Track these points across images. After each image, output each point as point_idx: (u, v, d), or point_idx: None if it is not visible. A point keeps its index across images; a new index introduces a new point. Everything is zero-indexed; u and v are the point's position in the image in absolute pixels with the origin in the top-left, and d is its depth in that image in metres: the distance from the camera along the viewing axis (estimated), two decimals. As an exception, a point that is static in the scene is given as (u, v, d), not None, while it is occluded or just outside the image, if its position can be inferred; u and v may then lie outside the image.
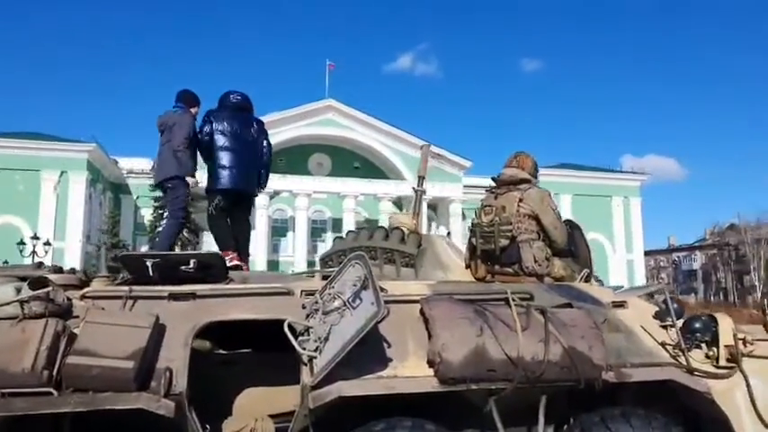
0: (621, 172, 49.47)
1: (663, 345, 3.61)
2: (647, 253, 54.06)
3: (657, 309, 3.91)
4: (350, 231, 4.90)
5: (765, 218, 59.35)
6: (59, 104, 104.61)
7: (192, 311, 3.26)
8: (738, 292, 60.79)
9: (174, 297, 3.30)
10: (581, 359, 3.17)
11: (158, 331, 3.07)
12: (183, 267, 3.46)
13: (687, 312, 4.09)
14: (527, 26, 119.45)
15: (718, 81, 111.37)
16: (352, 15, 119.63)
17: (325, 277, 3.65)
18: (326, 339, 3.04)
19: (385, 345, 3.19)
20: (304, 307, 3.28)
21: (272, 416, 3.78)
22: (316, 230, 44.04)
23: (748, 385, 3.53)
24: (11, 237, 31.39)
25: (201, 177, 5.59)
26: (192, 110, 5.53)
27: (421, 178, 5.46)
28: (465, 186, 42.88)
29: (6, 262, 18.71)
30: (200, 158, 5.57)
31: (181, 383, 3.01)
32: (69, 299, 3.16)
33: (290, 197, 40.72)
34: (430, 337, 3.17)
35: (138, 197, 41.94)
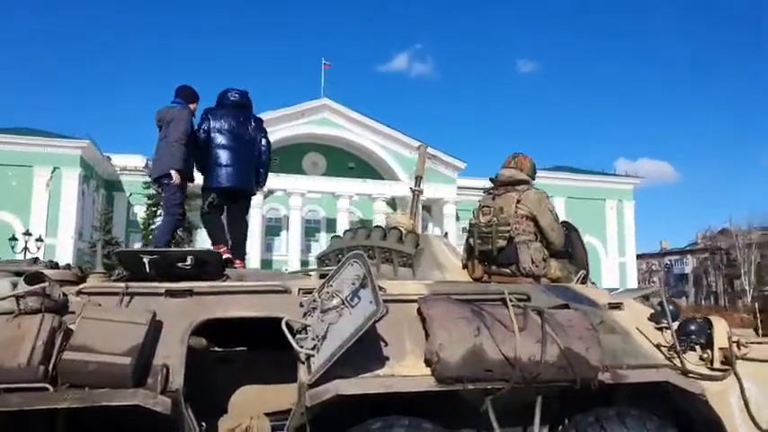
0: (615, 175, 49.71)
1: (658, 346, 3.63)
2: (639, 256, 54.36)
3: (653, 311, 3.93)
4: (347, 230, 4.90)
5: (756, 222, 59.84)
6: (53, 101, 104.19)
7: (189, 308, 3.25)
8: (729, 296, 61.17)
9: (170, 294, 3.29)
10: (577, 360, 3.18)
11: (155, 328, 3.06)
12: (179, 264, 3.45)
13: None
14: (523, 28, 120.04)
15: (711, 85, 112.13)
16: (348, 14, 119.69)
17: (322, 276, 3.65)
18: (324, 338, 3.04)
19: (382, 344, 3.19)
20: (302, 305, 3.28)
21: (267, 414, 3.78)
22: (309, 230, 44.00)
23: (742, 388, 3.56)
24: (2, 233, 31.22)
25: (196, 175, 5.58)
26: (191, 106, 5.51)
27: (418, 178, 5.47)
28: (459, 188, 42.98)
29: (-2, 258, 18.56)
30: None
31: (177, 380, 3.00)
32: (65, 294, 3.15)
33: (284, 196, 40.67)
34: (427, 336, 3.18)
35: (131, 194, 41.77)
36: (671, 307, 3.77)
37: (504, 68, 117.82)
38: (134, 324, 2.96)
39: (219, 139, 5.39)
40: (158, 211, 35.46)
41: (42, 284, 2.99)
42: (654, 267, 75.66)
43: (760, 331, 4.28)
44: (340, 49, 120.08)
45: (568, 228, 4.48)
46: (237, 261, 5.25)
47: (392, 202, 42.25)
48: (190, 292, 3.31)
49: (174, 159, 5.17)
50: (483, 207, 4.32)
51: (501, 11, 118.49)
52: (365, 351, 3.05)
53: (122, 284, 3.29)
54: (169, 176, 5.19)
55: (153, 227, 34.84)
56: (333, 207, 42.07)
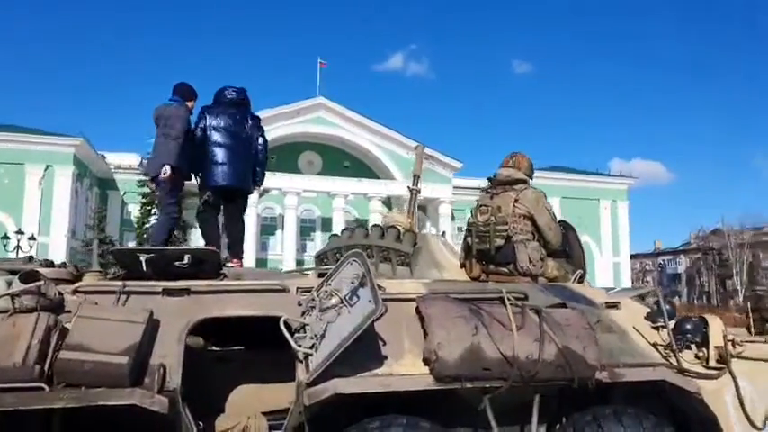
0: (609, 175, 49.84)
1: (654, 345, 3.65)
2: (633, 256, 54.54)
3: (649, 310, 3.94)
4: (345, 229, 4.89)
5: (748, 223, 60.22)
6: (47, 99, 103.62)
7: (187, 307, 3.24)
8: (721, 295, 61.50)
9: (168, 292, 3.27)
10: (575, 359, 3.19)
11: (152, 327, 3.04)
12: (176, 263, 3.43)
13: (673, 315, 4.13)
14: (518, 28, 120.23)
15: (704, 86, 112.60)
16: (344, 14, 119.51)
17: (320, 275, 3.65)
18: (323, 337, 3.03)
19: (380, 342, 3.19)
20: (300, 304, 3.27)
21: (265, 413, 3.77)
22: (305, 229, 43.90)
23: (737, 386, 3.58)
24: (-5, 231, 31.02)
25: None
26: (189, 103, 5.47)
27: (416, 178, 5.46)
28: (454, 187, 43.00)
29: (-9, 256, 18.47)
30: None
31: (175, 380, 2.99)
32: (61, 293, 3.13)
33: (279, 195, 40.56)
34: (426, 335, 3.18)
35: (125, 193, 41.55)
36: (667, 306, 3.79)
37: (499, 69, 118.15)
38: (131, 323, 2.95)
39: (216, 137, 5.37)
40: (153, 210, 35.31)
41: (38, 283, 2.97)
42: (647, 267, 76.00)
43: (752, 330, 4.30)
44: (336, 48, 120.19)
45: (565, 227, 4.49)
46: (234, 260, 5.23)
47: (388, 202, 42.22)
48: (187, 291, 3.29)
49: (170, 156, 5.14)
50: (481, 206, 4.32)
51: (496, 12, 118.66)
52: (363, 350, 3.05)
53: (119, 283, 3.27)
54: (163, 173, 5.16)
55: (147, 226, 34.73)
56: (328, 206, 41.99)
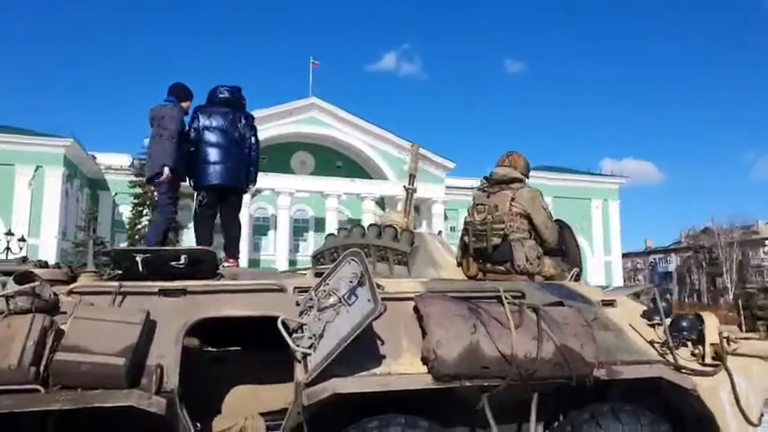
0: (601, 175, 50.08)
1: (651, 343, 3.67)
2: (624, 255, 54.84)
3: (645, 308, 3.96)
4: (342, 228, 4.88)
5: (738, 221, 60.79)
6: (37, 99, 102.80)
7: (184, 308, 3.22)
8: (711, 293, 61.99)
9: (164, 293, 3.25)
10: (573, 357, 3.20)
11: (149, 327, 3.02)
12: (173, 263, 3.41)
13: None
14: (510, 28, 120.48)
15: (695, 86, 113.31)
16: (337, 14, 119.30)
17: (317, 274, 3.63)
18: (321, 336, 3.02)
19: (379, 342, 3.18)
20: (298, 304, 3.25)
21: (262, 414, 3.75)
22: (298, 229, 43.83)
23: (732, 383, 3.61)
24: (-16, 233, 30.73)
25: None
26: (184, 104, 5.45)
27: (412, 177, 5.47)
28: (446, 187, 43.06)
29: (-20, 258, 18.31)
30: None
31: (172, 381, 2.97)
32: (56, 294, 3.10)
33: (272, 195, 40.47)
34: (424, 334, 3.17)
35: (116, 194, 41.33)
36: (663, 304, 3.81)
37: (492, 68, 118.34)
38: (128, 324, 2.93)
39: (209, 136, 5.35)
40: (144, 211, 35.18)
41: (32, 284, 2.94)
42: (639, 266, 76.46)
43: (743, 327, 4.33)
44: (328, 48, 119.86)
45: (561, 226, 4.50)
46: (231, 260, 5.21)
47: (381, 202, 42.22)
48: (184, 291, 3.27)
49: (166, 157, 5.12)
50: (478, 205, 4.32)
51: (488, 11, 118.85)
52: (362, 350, 3.04)
53: (115, 283, 3.24)
54: (161, 175, 5.14)
55: (139, 226, 34.56)
56: (321, 206, 41.94)
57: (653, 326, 3.78)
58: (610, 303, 3.84)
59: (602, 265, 46.25)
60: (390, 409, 3.15)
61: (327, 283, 3.19)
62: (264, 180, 36.68)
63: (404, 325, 3.29)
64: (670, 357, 3.57)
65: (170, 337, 3.08)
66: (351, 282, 3.06)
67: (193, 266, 3.47)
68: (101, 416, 2.81)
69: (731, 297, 49.00)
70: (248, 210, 38.61)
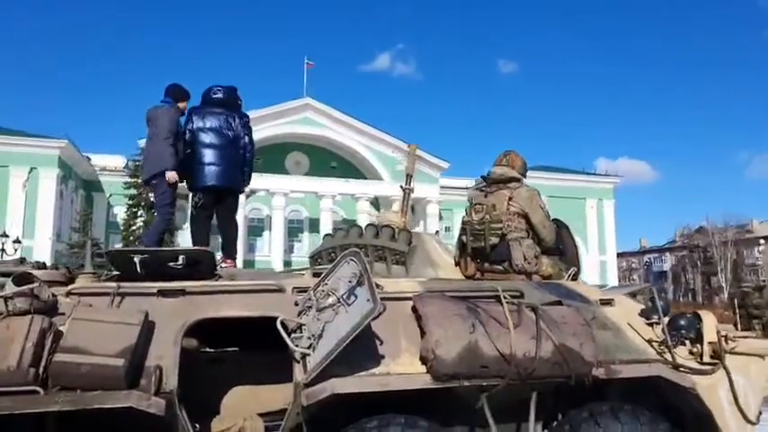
0: (595, 174, 50.21)
1: (649, 342, 3.67)
2: (619, 254, 55.01)
3: (643, 307, 3.97)
4: (339, 229, 4.88)
5: (732, 220, 61.10)
6: (31, 100, 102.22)
7: (182, 308, 3.21)
8: (706, 292, 62.27)
9: (163, 294, 3.24)
10: (572, 356, 3.20)
11: (148, 328, 3.02)
12: (171, 264, 3.40)
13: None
14: (504, 28, 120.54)
15: (689, 86, 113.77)
16: (331, 14, 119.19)
17: (316, 274, 3.63)
18: (320, 336, 3.02)
19: (377, 342, 3.18)
20: (296, 304, 3.25)
21: (261, 414, 3.74)
22: (292, 230, 43.79)
23: (731, 381, 3.62)
24: (-22, 234, 30.56)
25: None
26: (180, 104, 5.45)
27: (409, 177, 5.47)
28: (441, 187, 43.08)
29: (-26, 260, 18.18)
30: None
31: (171, 382, 2.97)
32: (54, 295, 3.09)
33: (266, 196, 40.41)
34: (423, 334, 3.17)
35: (110, 195, 41.25)
36: (661, 303, 3.82)
37: (486, 69, 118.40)
38: (126, 325, 2.92)
39: (203, 137, 5.35)
40: (139, 212, 35.07)
41: (31, 285, 2.93)
42: (633, 265, 76.72)
43: (739, 326, 4.35)
44: (322, 49, 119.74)
45: (559, 225, 4.51)
46: (228, 260, 5.21)
47: (375, 202, 42.22)
48: (182, 292, 3.26)
49: (163, 160, 5.12)
50: (475, 204, 4.33)
51: (482, 12, 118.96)
52: (360, 349, 3.04)
53: (113, 285, 3.23)
54: (159, 176, 5.15)
55: (134, 228, 34.45)
56: (316, 207, 41.91)
57: (651, 325, 3.78)
58: (608, 302, 3.84)
59: (597, 264, 46.35)
60: (390, 409, 3.15)
61: (326, 283, 3.18)
62: (259, 181, 36.68)
63: (402, 325, 3.29)
64: (668, 356, 3.57)
65: (169, 338, 3.07)
66: (350, 282, 3.06)
67: (191, 267, 3.46)
68: (100, 417, 2.80)
69: (726, 296, 49.24)
70: (243, 211, 38.53)
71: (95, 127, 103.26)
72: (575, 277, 4.23)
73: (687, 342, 3.77)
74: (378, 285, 3.13)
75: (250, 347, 4.15)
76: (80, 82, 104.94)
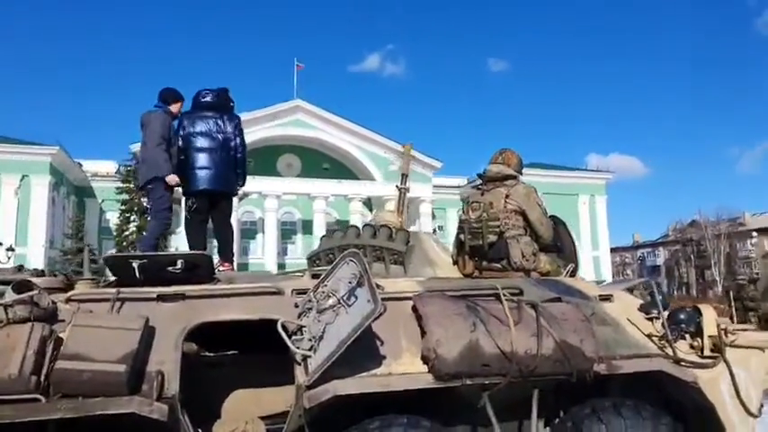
0: (587, 170, 50.39)
1: (649, 336, 3.68)
2: (612, 250, 55.21)
3: (642, 302, 3.98)
4: (337, 230, 4.88)
5: (724, 214, 61.45)
6: (21, 107, 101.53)
7: (182, 313, 3.20)
8: (700, 286, 62.58)
9: (162, 298, 3.23)
10: (573, 352, 3.21)
11: (148, 333, 3.00)
12: (169, 268, 3.39)
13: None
14: (493, 27, 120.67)
15: (678, 81, 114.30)
16: (319, 15, 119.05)
17: (314, 276, 3.62)
18: (321, 338, 3.01)
19: (378, 342, 3.18)
20: (296, 306, 3.24)
21: (262, 417, 3.74)
22: (285, 232, 43.70)
23: (732, 374, 3.63)
24: (-30, 243, 30.35)
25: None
26: (173, 107, 5.43)
27: (404, 176, 5.48)
28: (433, 186, 43.11)
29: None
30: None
31: (173, 386, 2.95)
32: (54, 302, 3.07)
33: (259, 198, 40.28)
34: (423, 333, 3.17)
35: (103, 200, 41.07)
36: (660, 297, 3.83)
37: (476, 67, 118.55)
38: (127, 330, 2.91)
39: (195, 141, 5.35)
40: (132, 217, 34.95)
41: (31, 293, 2.92)
42: (627, 260, 77.01)
43: (735, 319, 4.37)
44: (311, 50, 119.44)
45: (556, 222, 4.52)
46: (225, 263, 5.20)
47: (368, 202, 42.21)
48: (182, 297, 3.26)
49: (157, 165, 5.12)
50: (472, 203, 4.33)
51: (470, 11, 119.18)
52: (361, 350, 3.03)
53: (113, 290, 3.22)
54: (155, 181, 5.14)
55: (127, 233, 34.31)
56: (309, 208, 41.84)
57: (650, 319, 3.80)
58: (607, 298, 3.85)
59: (590, 260, 46.50)
60: (392, 410, 3.15)
61: (326, 285, 3.18)
62: (251, 183, 36.42)
63: (403, 325, 3.28)
64: (669, 350, 3.58)
65: (169, 343, 3.06)
66: (350, 282, 3.05)
67: (190, 271, 3.45)
68: (102, 423, 2.78)
69: (720, 289, 49.54)
70: (235, 213, 38.29)
71: (86, 133, 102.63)
72: (573, 274, 4.24)
73: (687, 336, 3.79)
74: (378, 286, 3.13)
75: (249, 350, 4.14)
76: (70, 88, 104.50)
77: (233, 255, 5.51)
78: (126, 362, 2.79)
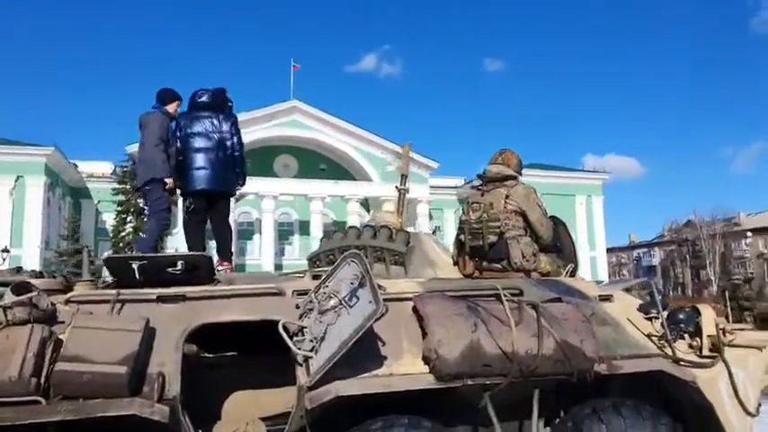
0: (584, 171, 50.50)
1: (649, 336, 3.69)
2: (609, 250, 55.37)
3: (641, 302, 4.00)
4: (337, 230, 4.88)
5: (719, 214, 61.73)
6: (18, 107, 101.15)
7: (183, 314, 3.19)
8: (695, 286, 62.82)
9: (163, 300, 3.22)
10: (574, 352, 3.21)
11: (149, 335, 2.99)
12: (169, 269, 3.38)
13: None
14: (489, 27, 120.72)
15: (674, 82, 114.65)
16: (316, 16, 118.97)
17: (315, 277, 3.62)
18: (323, 339, 3.01)
19: (379, 343, 3.17)
20: (298, 307, 3.24)
21: (263, 418, 3.73)
22: (283, 233, 43.63)
23: (730, 374, 3.64)
24: (-35, 244, 30.26)
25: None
26: (170, 107, 5.42)
27: (404, 177, 5.48)
28: (430, 187, 43.14)
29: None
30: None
31: (174, 388, 2.95)
32: (53, 304, 3.06)
33: (255, 199, 40.22)
34: (425, 334, 3.17)
35: (99, 201, 40.95)
36: (659, 297, 3.85)
37: (472, 67, 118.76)
38: (127, 332, 2.90)
39: (192, 142, 5.34)
40: (128, 218, 34.85)
41: (30, 294, 2.90)
42: (623, 260, 77.24)
43: (730, 318, 4.39)
44: (308, 51, 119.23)
45: (556, 222, 4.53)
46: (224, 263, 5.19)
47: (365, 203, 42.20)
48: (182, 298, 3.25)
49: (155, 166, 5.12)
50: (472, 203, 4.34)
51: (466, 11, 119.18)
52: (363, 351, 3.03)
53: (113, 292, 3.21)
54: (153, 182, 5.13)
55: (123, 234, 34.21)
56: (306, 209, 41.80)
57: (650, 319, 3.81)
58: (607, 298, 3.86)
59: (587, 260, 46.58)
60: (393, 410, 3.15)
61: (327, 286, 3.17)
62: (248, 184, 36.02)
63: (404, 325, 3.28)
64: (669, 350, 3.59)
65: (170, 344, 3.05)
66: (351, 283, 3.05)
67: (190, 272, 3.44)
68: (102, 425, 2.77)
69: (715, 289, 49.69)
70: (232, 215, 38.25)
71: (82, 134, 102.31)
72: (572, 274, 4.26)
73: (686, 336, 3.80)
74: (380, 286, 3.12)
75: (249, 351, 4.13)
76: (66, 88, 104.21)
77: (232, 254, 5.51)
78: (126, 363, 2.78)
